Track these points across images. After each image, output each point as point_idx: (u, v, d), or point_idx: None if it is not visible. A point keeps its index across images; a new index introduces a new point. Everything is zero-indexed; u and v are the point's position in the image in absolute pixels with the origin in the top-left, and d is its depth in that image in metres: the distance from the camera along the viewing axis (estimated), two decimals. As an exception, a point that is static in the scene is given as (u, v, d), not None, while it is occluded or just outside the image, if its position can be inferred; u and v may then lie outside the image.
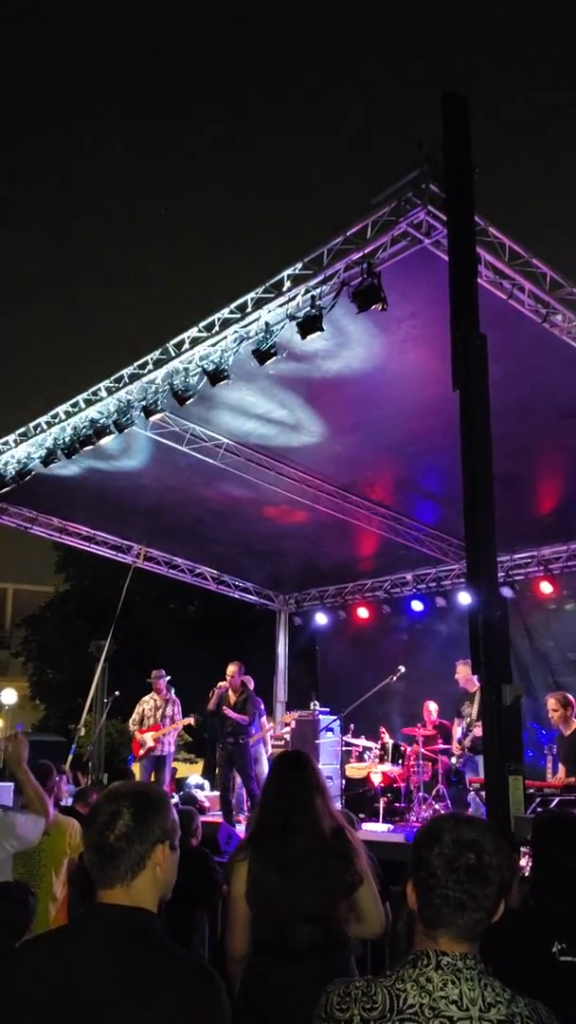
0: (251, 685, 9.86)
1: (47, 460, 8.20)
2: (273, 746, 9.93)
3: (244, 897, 2.69)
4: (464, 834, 1.54)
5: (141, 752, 9.39)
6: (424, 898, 1.54)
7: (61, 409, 8.12)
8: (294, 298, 6.15)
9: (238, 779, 8.95)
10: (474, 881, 1.50)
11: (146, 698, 9.69)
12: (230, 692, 9.06)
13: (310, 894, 2.61)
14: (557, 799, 6.22)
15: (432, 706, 9.18)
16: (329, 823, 2.77)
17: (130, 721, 9.78)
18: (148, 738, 9.36)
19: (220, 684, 9.16)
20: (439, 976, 1.48)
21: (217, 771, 9.42)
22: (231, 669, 9.13)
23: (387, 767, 9.10)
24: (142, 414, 7.35)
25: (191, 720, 9.94)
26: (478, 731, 7.66)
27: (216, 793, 10.22)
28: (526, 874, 3.33)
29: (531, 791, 5.93)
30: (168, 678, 9.76)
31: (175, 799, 9.09)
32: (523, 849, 3.97)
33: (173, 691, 9.83)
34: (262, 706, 10.37)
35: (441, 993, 1.46)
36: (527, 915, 2.64)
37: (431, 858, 1.54)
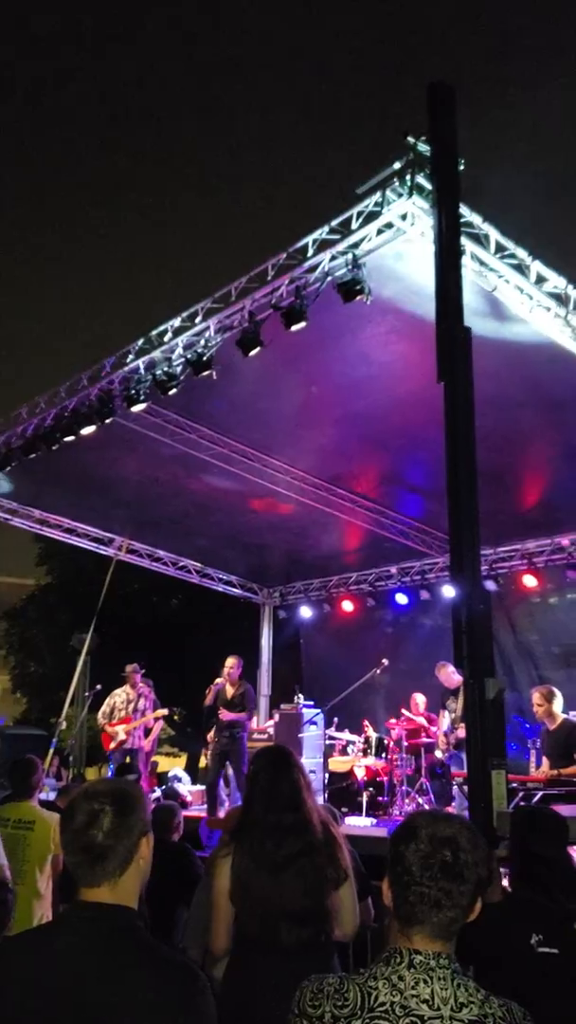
0: None
1: (27, 450, 8.11)
2: (255, 739, 9.88)
3: (227, 894, 2.65)
4: (440, 831, 1.52)
5: (112, 746, 9.21)
6: (399, 895, 1.51)
7: (42, 399, 8.05)
8: (278, 288, 6.10)
9: (227, 771, 8.87)
10: (449, 878, 1.48)
11: (118, 691, 9.49)
12: (228, 687, 8.89)
13: (299, 893, 2.59)
14: (540, 793, 6.22)
15: (420, 698, 9.18)
16: (318, 820, 2.76)
17: (99, 714, 9.55)
18: (120, 731, 9.18)
19: (218, 680, 9.01)
20: (411, 974, 1.46)
21: (208, 764, 9.25)
22: (230, 662, 8.92)
23: (370, 761, 9.09)
24: (124, 404, 7.28)
25: (164, 712, 9.79)
26: (462, 732, 7.63)
27: (198, 787, 10.17)
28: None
29: (514, 785, 5.92)
30: (142, 671, 9.65)
31: (157, 793, 9.05)
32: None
33: (152, 685, 9.71)
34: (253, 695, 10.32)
35: (413, 992, 1.44)
36: (505, 907, 2.63)
37: (407, 854, 1.51)
